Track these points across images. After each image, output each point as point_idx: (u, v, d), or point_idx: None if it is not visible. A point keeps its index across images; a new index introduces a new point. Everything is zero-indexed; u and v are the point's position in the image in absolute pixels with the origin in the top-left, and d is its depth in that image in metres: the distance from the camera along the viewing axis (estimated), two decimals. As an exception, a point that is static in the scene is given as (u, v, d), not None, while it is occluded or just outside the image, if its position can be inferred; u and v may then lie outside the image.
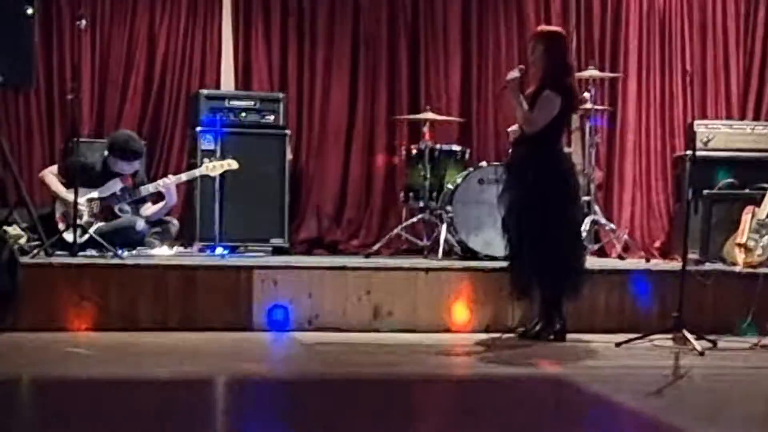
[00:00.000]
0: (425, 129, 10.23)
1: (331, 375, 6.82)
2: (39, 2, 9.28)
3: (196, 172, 9.64)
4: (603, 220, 10.36)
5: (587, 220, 10.00)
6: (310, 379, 6.76)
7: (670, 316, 7.93)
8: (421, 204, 10.00)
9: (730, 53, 11.29)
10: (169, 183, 9.55)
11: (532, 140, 7.98)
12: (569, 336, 8.11)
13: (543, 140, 7.96)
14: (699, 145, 10.18)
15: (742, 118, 11.18)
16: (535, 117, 7.87)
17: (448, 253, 9.73)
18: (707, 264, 9.41)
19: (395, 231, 10.11)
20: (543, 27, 8.92)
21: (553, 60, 7.96)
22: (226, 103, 10.27)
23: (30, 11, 9.04)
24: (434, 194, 9.96)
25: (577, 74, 10.02)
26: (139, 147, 9.65)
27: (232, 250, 9.74)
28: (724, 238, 9.64)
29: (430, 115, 10.25)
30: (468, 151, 10.31)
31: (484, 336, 8.35)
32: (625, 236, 10.57)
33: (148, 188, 9.56)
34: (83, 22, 9.37)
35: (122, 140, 9.57)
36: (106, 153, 9.57)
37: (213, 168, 9.55)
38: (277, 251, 10.13)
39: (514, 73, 7.99)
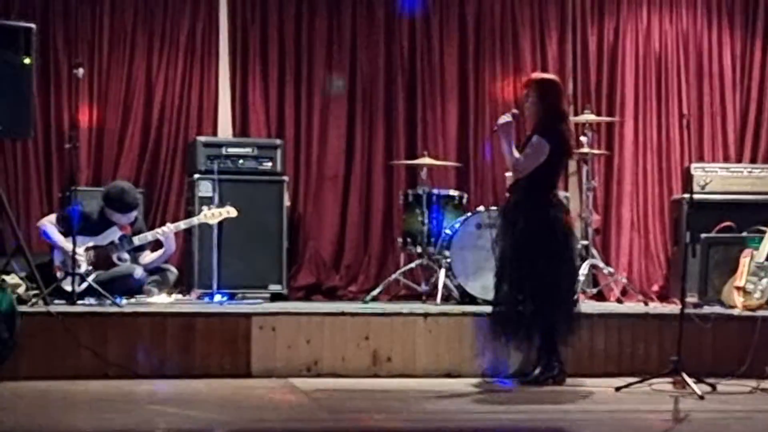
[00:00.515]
0: (423, 174, 10.25)
1: (335, 424, 6.78)
2: (36, 52, 9.30)
3: (195, 221, 9.64)
4: (601, 264, 10.35)
5: (585, 264, 10.01)
6: (313, 428, 6.73)
7: (669, 359, 7.90)
8: (419, 249, 10.01)
9: (726, 96, 11.34)
10: (167, 231, 9.54)
11: (525, 186, 8.00)
12: (568, 380, 8.09)
13: (536, 186, 7.97)
14: (696, 188, 10.24)
15: (739, 161, 11.20)
16: (522, 162, 7.91)
17: (447, 299, 9.73)
18: (706, 307, 9.38)
19: (393, 276, 10.12)
20: (537, 74, 8.96)
21: (546, 106, 7.99)
22: (224, 150, 10.29)
23: (27, 61, 9.07)
24: (432, 239, 9.97)
25: (574, 118, 10.11)
26: (135, 199, 9.63)
27: (231, 297, 9.74)
28: (722, 281, 9.64)
29: (427, 161, 10.26)
30: (465, 195, 10.33)
31: (483, 381, 8.31)
32: (624, 280, 10.57)
33: (147, 236, 9.55)
34: (80, 71, 9.39)
35: (118, 193, 9.55)
36: (102, 202, 9.57)
37: (212, 216, 9.56)
38: (276, 298, 10.13)
39: (506, 118, 8.02)
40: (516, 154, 7.92)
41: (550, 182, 8.07)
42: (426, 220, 9.95)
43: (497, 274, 8.15)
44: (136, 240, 9.52)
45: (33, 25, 9.27)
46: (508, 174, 8.37)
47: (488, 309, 8.42)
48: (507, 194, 8.40)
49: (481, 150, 11.01)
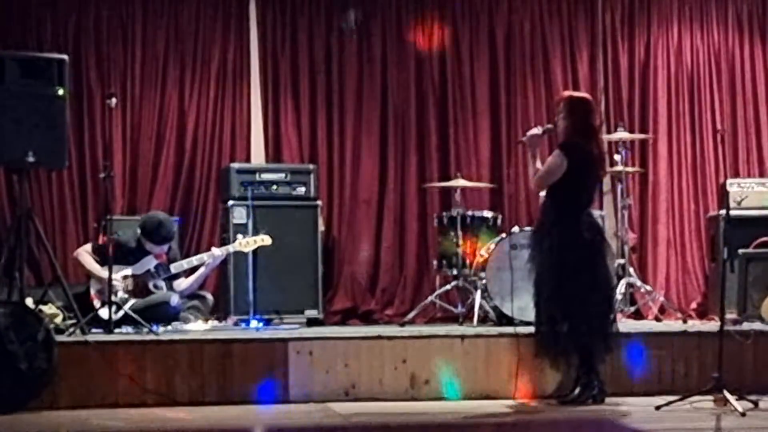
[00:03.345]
0: (456, 196, 10.25)
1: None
2: (69, 83, 9.36)
3: (231, 248, 9.68)
4: (638, 283, 10.31)
5: (622, 283, 9.96)
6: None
7: (710, 377, 7.84)
8: (455, 271, 9.99)
9: (760, 111, 11.29)
10: (208, 261, 9.59)
11: (554, 205, 7.99)
12: (608, 399, 8.03)
13: (565, 205, 7.95)
14: (732, 204, 10.17)
15: (775, 175, 11.14)
16: (538, 176, 7.89)
17: (484, 320, 9.70)
18: (745, 323, 9.31)
19: (429, 299, 10.11)
20: (567, 92, 8.94)
21: (574, 123, 7.97)
22: (257, 177, 10.32)
23: (61, 92, 9.13)
24: (467, 261, 9.94)
25: (607, 136, 10.07)
26: (171, 232, 9.69)
27: (267, 322, 9.74)
28: (761, 296, 9.58)
29: (460, 182, 10.27)
30: (500, 216, 10.31)
31: (522, 402, 8.27)
32: (662, 298, 10.51)
33: (182, 264, 9.60)
34: (113, 100, 9.46)
35: (154, 225, 9.61)
36: (139, 232, 9.61)
37: (246, 244, 9.60)
38: (312, 322, 10.14)
39: (536, 130, 8.03)
40: (539, 167, 7.91)
41: (580, 200, 8.03)
42: (461, 242, 9.94)
43: (535, 294, 8.12)
44: (173, 268, 9.56)
45: (66, 57, 9.32)
46: (542, 193, 8.33)
47: (525, 330, 8.39)
48: (540, 213, 8.36)
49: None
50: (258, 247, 9.66)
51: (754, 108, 11.29)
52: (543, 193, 8.21)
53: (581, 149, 7.91)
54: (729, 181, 10.57)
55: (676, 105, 11.21)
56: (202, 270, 9.68)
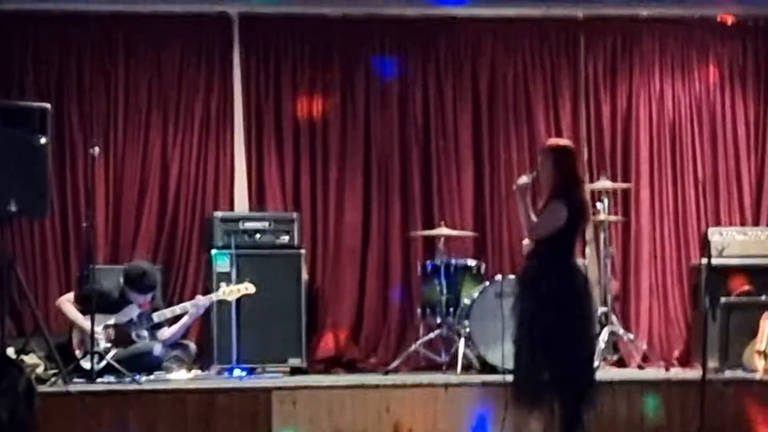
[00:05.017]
0: (440, 244, 10.26)
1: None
2: (52, 131, 9.37)
3: (213, 297, 9.66)
4: (621, 331, 10.31)
5: (605, 331, 9.96)
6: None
7: (692, 425, 7.85)
8: (439, 319, 9.98)
9: (741, 160, 11.31)
10: (191, 310, 9.57)
11: (544, 253, 7.95)
12: (593, 448, 8.02)
13: (555, 253, 7.92)
14: (714, 253, 10.18)
15: (756, 224, 11.16)
16: (538, 224, 7.86)
17: (467, 368, 9.69)
18: (727, 372, 9.33)
19: (413, 347, 10.08)
20: (552, 140, 8.95)
21: (562, 173, 7.95)
22: (241, 225, 10.33)
23: (43, 141, 9.13)
24: (451, 309, 9.96)
25: (590, 185, 10.09)
26: (154, 281, 9.68)
27: (250, 371, 9.71)
28: (743, 345, 9.59)
29: (444, 231, 10.28)
30: (483, 265, 10.33)
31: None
32: (644, 346, 10.51)
33: (165, 313, 9.58)
34: (96, 149, 9.49)
35: (138, 275, 9.60)
36: (122, 281, 9.58)
37: (230, 293, 9.59)
38: (296, 371, 10.09)
39: (524, 179, 7.99)
40: (533, 216, 7.90)
41: (568, 249, 8.02)
42: (444, 290, 9.94)
43: (516, 341, 8.08)
44: (155, 317, 9.53)
45: (48, 105, 9.35)
46: (525, 242, 8.33)
47: (509, 378, 8.37)
48: (525, 262, 8.34)
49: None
50: (241, 296, 9.64)
51: (735, 157, 11.32)
52: (527, 241, 8.20)
53: (576, 199, 7.92)
54: (710, 230, 10.64)
55: (658, 154, 11.24)
56: (185, 319, 9.66)
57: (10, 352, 8.70)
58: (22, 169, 9.04)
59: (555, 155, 8.02)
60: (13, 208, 8.91)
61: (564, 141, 8.63)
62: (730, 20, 11.35)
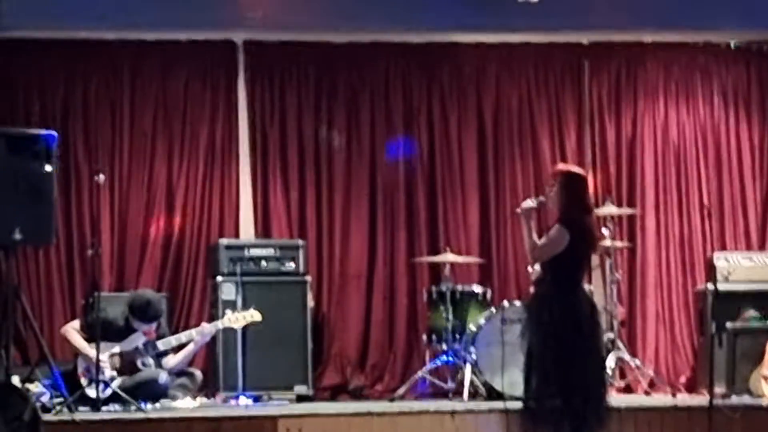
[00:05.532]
0: (446, 270, 10.25)
1: None
2: (57, 158, 9.37)
3: (220, 325, 9.64)
4: (627, 357, 10.29)
5: (612, 357, 9.93)
6: None
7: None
8: (445, 346, 9.95)
9: (746, 185, 11.31)
10: (197, 338, 9.55)
11: (551, 280, 7.93)
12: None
13: (562, 280, 7.90)
14: (720, 278, 10.18)
15: (763, 249, 11.13)
16: (540, 247, 7.84)
17: (474, 395, 9.65)
18: (734, 397, 9.31)
19: (419, 374, 10.06)
20: (563, 165, 8.94)
21: (570, 198, 7.93)
22: (246, 252, 10.32)
23: (48, 168, 9.13)
24: (457, 336, 9.93)
25: (595, 210, 10.06)
26: (159, 310, 9.66)
27: (256, 399, 9.68)
28: (750, 370, 9.58)
29: (450, 257, 10.27)
30: (489, 291, 10.31)
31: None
32: (651, 372, 10.48)
33: (171, 341, 9.55)
34: (101, 176, 9.49)
35: (143, 304, 9.56)
36: (127, 310, 9.57)
37: (236, 320, 9.57)
38: (302, 399, 10.07)
39: (530, 203, 7.95)
40: (536, 239, 7.88)
41: (576, 276, 8.00)
42: (450, 317, 9.92)
43: (525, 368, 8.06)
44: (161, 345, 9.50)
45: (54, 133, 9.35)
46: (533, 268, 8.31)
47: (516, 405, 8.34)
48: (532, 288, 8.32)
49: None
50: (247, 324, 9.62)
51: (740, 182, 11.32)
52: (536, 267, 8.17)
53: (582, 225, 7.91)
54: (716, 255, 10.58)
55: (663, 179, 11.23)
56: (190, 347, 9.62)
57: (15, 380, 8.66)
58: (28, 196, 9.06)
59: (565, 179, 8.00)
60: (18, 236, 8.91)
61: (574, 167, 8.61)
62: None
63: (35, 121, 10.56)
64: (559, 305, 7.85)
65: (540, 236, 7.87)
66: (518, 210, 7.98)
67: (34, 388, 8.89)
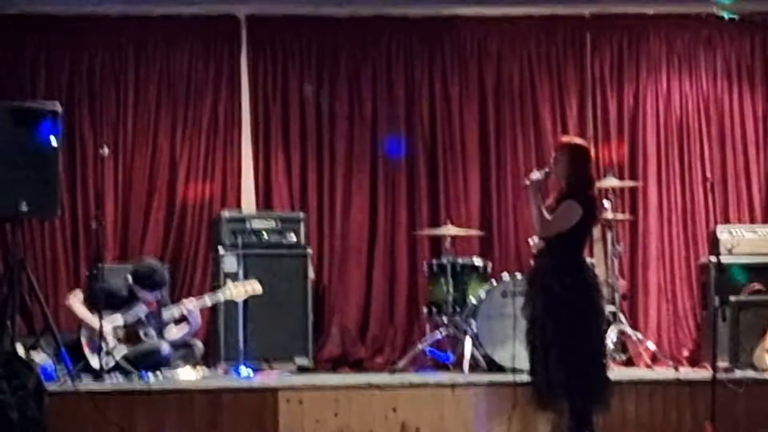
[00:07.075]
0: (446, 243, 10.27)
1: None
2: (62, 132, 9.42)
3: (221, 297, 9.68)
4: (629, 330, 10.26)
5: (614, 330, 9.93)
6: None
7: (703, 425, 7.83)
8: (445, 319, 9.98)
9: (750, 158, 11.26)
10: (192, 308, 9.59)
11: (555, 252, 7.91)
12: (602, 449, 8.00)
13: (566, 252, 7.89)
14: (723, 251, 10.16)
15: (766, 222, 11.11)
16: (552, 222, 7.77)
17: (474, 368, 9.67)
18: (737, 371, 9.30)
19: (420, 347, 10.08)
20: (568, 138, 8.92)
21: (577, 172, 7.90)
22: (248, 225, 10.37)
23: (54, 142, 9.19)
24: (458, 308, 9.95)
25: (597, 183, 10.06)
26: (163, 278, 9.72)
27: (257, 370, 9.73)
28: (753, 344, 9.55)
29: (450, 230, 10.29)
30: (490, 264, 10.33)
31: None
32: (653, 346, 10.47)
33: (173, 312, 9.60)
34: (106, 149, 9.54)
35: (147, 272, 9.63)
36: (130, 278, 9.62)
37: (237, 293, 9.60)
38: (302, 370, 10.13)
39: (537, 174, 7.88)
40: (545, 213, 7.84)
41: (579, 248, 8.00)
42: (451, 289, 9.95)
43: (528, 341, 8.06)
44: (163, 316, 9.55)
45: (59, 107, 9.40)
46: (533, 240, 8.29)
47: (516, 378, 8.37)
48: (534, 260, 8.29)
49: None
50: (248, 296, 9.66)
51: (743, 155, 11.26)
52: (536, 239, 8.15)
53: (590, 199, 7.89)
54: (719, 227, 10.53)
55: (665, 152, 11.20)
56: (192, 318, 9.66)
57: (20, 350, 8.73)
58: (33, 170, 9.14)
59: (571, 153, 7.97)
60: (24, 208, 9.00)
61: (580, 139, 8.58)
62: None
63: (41, 95, 10.62)
64: (563, 278, 7.83)
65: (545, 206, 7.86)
66: (526, 182, 7.93)
67: (39, 357, 8.95)
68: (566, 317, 7.76)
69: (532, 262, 8.37)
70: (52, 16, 10.85)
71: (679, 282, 11.12)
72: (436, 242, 10.72)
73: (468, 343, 9.65)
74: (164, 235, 10.84)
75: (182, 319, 9.69)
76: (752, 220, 11.14)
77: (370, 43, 11.18)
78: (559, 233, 7.81)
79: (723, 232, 10.51)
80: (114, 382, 8.90)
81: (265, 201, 10.97)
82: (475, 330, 9.66)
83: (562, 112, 11.21)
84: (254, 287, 9.63)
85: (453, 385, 8.70)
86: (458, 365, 9.70)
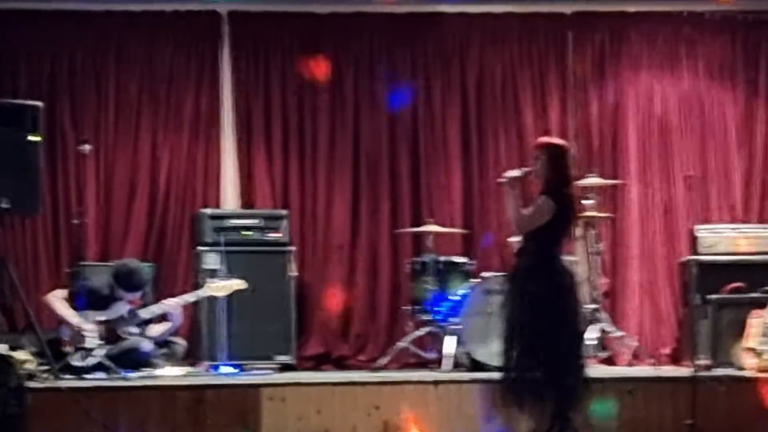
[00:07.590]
0: (428, 241, 10.28)
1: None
2: (44, 129, 9.39)
3: (202, 293, 9.67)
4: (610, 328, 10.29)
5: (595, 328, 9.96)
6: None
7: (683, 423, 7.85)
8: (427, 317, 9.97)
9: (730, 156, 11.29)
10: (173, 306, 9.57)
11: (533, 251, 7.96)
12: (583, 446, 8.03)
13: (544, 251, 7.93)
14: (704, 249, 10.18)
15: (746, 221, 11.14)
16: (525, 217, 7.84)
17: (456, 366, 9.68)
18: (718, 369, 9.32)
19: (402, 344, 10.08)
20: (546, 138, 8.94)
21: (555, 171, 7.95)
22: (230, 222, 10.36)
23: (35, 138, 9.16)
24: (440, 306, 9.94)
25: (578, 182, 10.07)
26: (143, 279, 9.69)
27: (239, 368, 9.72)
28: (734, 342, 9.57)
29: (432, 228, 10.30)
30: (472, 262, 10.33)
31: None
32: (634, 343, 10.50)
33: (154, 310, 9.58)
34: (87, 147, 9.51)
35: (127, 273, 9.60)
36: (111, 279, 9.60)
37: (219, 289, 9.59)
38: (285, 368, 10.12)
39: (515, 172, 7.95)
40: (521, 209, 7.89)
41: (558, 247, 8.03)
42: (433, 287, 9.95)
43: (505, 339, 8.08)
44: (144, 313, 9.53)
45: (40, 103, 9.37)
46: (513, 239, 8.33)
47: (498, 376, 8.38)
48: (514, 259, 8.33)
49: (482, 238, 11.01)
50: (232, 292, 9.65)
51: (724, 152, 11.29)
52: (516, 238, 8.19)
53: (566, 197, 7.92)
54: (700, 226, 10.60)
55: (646, 150, 11.24)
56: (174, 316, 9.65)
57: (2, 348, 8.69)
58: (14, 166, 9.11)
59: (549, 152, 8.01)
60: (4, 205, 8.96)
61: (559, 140, 8.62)
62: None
63: (22, 91, 10.58)
64: (542, 276, 7.87)
65: (524, 207, 7.90)
66: (502, 179, 7.99)
67: (20, 355, 8.91)
68: (540, 317, 7.79)
69: (514, 261, 8.41)
70: (33, 12, 10.80)
71: (660, 280, 11.15)
72: (419, 240, 10.71)
73: (450, 340, 9.65)
74: (146, 233, 10.81)
75: (164, 317, 9.67)
76: (733, 219, 11.17)
77: (352, 40, 11.18)
78: (536, 233, 7.84)
79: (703, 231, 10.54)
80: (95, 379, 8.86)
81: (247, 199, 10.96)
82: (457, 328, 9.66)
83: (543, 110, 11.22)
84: (238, 283, 9.61)
85: (435, 383, 8.69)
86: (439, 363, 9.69)
